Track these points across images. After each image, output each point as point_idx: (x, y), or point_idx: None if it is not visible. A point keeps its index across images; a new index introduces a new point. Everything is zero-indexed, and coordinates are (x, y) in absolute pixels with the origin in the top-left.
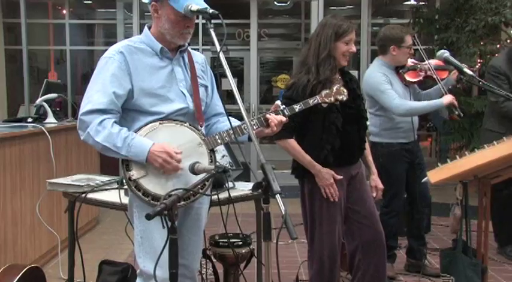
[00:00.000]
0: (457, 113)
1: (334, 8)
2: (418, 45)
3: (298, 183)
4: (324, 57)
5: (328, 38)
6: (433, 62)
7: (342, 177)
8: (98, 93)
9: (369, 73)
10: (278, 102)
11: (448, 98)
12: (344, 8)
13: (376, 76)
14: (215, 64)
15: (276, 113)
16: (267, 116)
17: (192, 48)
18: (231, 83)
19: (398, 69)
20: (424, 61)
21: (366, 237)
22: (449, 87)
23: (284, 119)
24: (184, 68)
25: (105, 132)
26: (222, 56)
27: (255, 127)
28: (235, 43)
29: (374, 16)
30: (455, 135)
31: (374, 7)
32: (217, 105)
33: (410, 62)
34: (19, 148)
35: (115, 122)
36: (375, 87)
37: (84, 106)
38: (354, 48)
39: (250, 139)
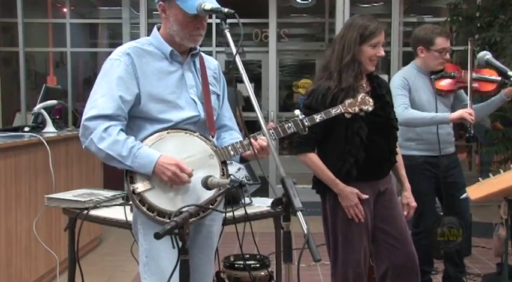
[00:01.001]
0: (467, 135)
1: (362, 5)
2: (472, 51)
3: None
4: (348, 62)
5: (352, 41)
6: (482, 70)
7: (367, 196)
8: (103, 97)
9: (393, 76)
10: (271, 123)
11: (456, 114)
12: (373, 5)
13: (395, 79)
14: (230, 67)
15: (295, 123)
16: (252, 140)
17: (205, 50)
18: (248, 88)
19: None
20: (478, 68)
21: (397, 260)
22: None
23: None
24: (196, 73)
25: (110, 140)
26: (238, 59)
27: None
28: (252, 44)
29: (406, 14)
30: (498, 146)
31: (406, 4)
32: (225, 116)
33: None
34: (15, 160)
35: (121, 129)
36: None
37: (88, 111)
38: (382, 52)
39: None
